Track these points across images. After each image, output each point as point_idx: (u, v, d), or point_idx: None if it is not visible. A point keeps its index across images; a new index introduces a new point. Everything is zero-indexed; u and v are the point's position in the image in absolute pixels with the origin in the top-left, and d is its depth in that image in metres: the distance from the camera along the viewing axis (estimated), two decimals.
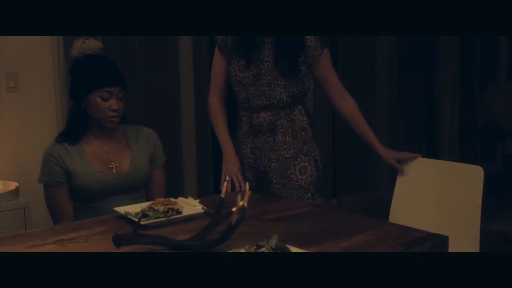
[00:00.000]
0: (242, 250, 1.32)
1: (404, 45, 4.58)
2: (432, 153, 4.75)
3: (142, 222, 1.68)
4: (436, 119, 4.95)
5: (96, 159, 2.14)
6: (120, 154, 2.19)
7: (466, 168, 2.14)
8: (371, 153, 2.29)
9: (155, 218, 1.75)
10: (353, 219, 1.88)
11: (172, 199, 1.87)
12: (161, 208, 1.79)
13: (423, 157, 2.27)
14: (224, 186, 1.56)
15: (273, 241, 1.34)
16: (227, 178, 2.03)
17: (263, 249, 1.31)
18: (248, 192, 1.42)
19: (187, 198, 1.96)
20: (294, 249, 1.37)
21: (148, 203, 1.86)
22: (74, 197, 2.14)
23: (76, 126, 2.15)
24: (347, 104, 2.26)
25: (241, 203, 1.39)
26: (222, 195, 1.55)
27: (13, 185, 2.69)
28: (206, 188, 3.60)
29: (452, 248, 1.66)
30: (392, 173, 2.50)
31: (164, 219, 1.76)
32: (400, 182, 2.30)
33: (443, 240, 1.62)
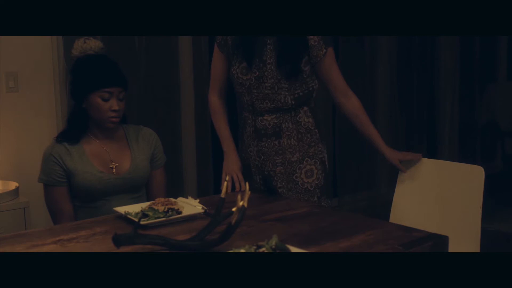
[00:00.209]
0: (242, 250, 1.32)
1: (404, 45, 4.58)
2: (432, 153, 4.74)
3: (142, 222, 1.68)
4: (436, 119, 4.94)
5: (96, 159, 2.14)
6: (120, 154, 2.19)
7: (466, 168, 2.14)
8: (372, 152, 2.29)
9: (155, 218, 1.75)
10: (353, 219, 1.89)
11: (172, 199, 1.87)
12: (161, 208, 1.79)
13: (423, 157, 2.27)
14: (224, 186, 1.57)
15: (273, 241, 1.34)
16: (227, 178, 2.02)
17: (263, 249, 1.31)
18: (248, 192, 1.42)
19: (187, 198, 1.96)
20: (294, 249, 1.37)
21: (148, 203, 1.86)
22: (74, 197, 2.14)
23: (77, 126, 2.15)
24: (352, 105, 2.23)
25: (241, 203, 1.39)
26: (222, 195, 1.56)
27: (13, 185, 2.69)
28: (206, 188, 3.59)
29: (452, 248, 1.65)
30: (392, 173, 2.50)
31: (164, 219, 1.76)
32: (400, 182, 2.30)
33: (443, 240, 1.62)
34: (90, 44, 2.14)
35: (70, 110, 2.24)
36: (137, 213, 1.77)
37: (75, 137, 2.14)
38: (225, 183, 1.61)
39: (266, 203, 2.03)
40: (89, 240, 1.64)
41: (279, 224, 1.77)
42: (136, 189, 2.20)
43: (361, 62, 4.40)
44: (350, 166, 4.32)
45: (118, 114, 2.11)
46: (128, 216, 1.78)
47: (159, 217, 1.76)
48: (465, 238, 2.04)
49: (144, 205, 1.85)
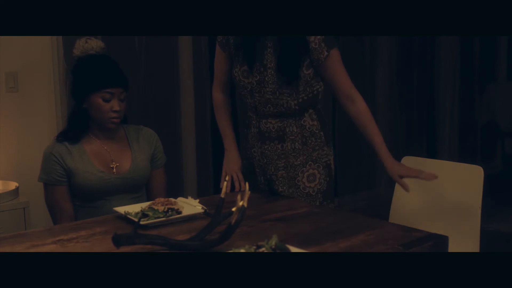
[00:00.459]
0: (242, 250, 1.32)
1: (404, 45, 4.58)
2: (432, 153, 4.75)
3: (142, 222, 1.68)
4: (436, 119, 4.94)
5: (97, 159, 2.14)
6: (121, 154, 2.19)
7: (466, 168, 2.14)
8: (372, 152, 2.26)
9: (155, 218, 1.75)
10: (353, 219, 1.88)
11: (172, 199, 1.87)
12: (161, 208, 1.79)
13: (423, 157, 2.27)
14: (224, 186, 1.56)
15: (273, 241, 1.34)
16: (227, 178, 2.01)
17: (263, 249, 1.31)
18: (248, 192, 1.42)
19: (187, 198, 1.96)
20: (294, 249, 1.37)
21: (148, 203, 1.86)
22: (74, 196, 2.14)
23: (77, 126, 2.15)
24: (356, 109, 2.12)
25: (241, 203, 1.39)
26: (222, 195, 1.55)
27: (13, 185, 2.69)
28: (206, 188, 3.60)
29: (452, 248, 1.66)
30: None
31: (164, 219, 1.76)
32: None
33: (443, 240, 1.62)
34: (91, 44, 2.14)
35: (71, 110, 2.24)
36: (137, 213, 1.77)
37: (76, 136, 2.14)
38: (225, 183, 1.61)
39: (266, 203, 2.03)
40: (89, 240, 1.64)
41: (279, 224, 1.77)
42: (136, 189, 2.20)
43: (361, 62, 4.40)
44: (350, 166, 4.32)
45: (119, 115, 2.11)
46: (128, 216, 1.78)
47: (159, 217, 1.76)
48: (465, 238, 2.04)
49: (144, 205, 1.85)
